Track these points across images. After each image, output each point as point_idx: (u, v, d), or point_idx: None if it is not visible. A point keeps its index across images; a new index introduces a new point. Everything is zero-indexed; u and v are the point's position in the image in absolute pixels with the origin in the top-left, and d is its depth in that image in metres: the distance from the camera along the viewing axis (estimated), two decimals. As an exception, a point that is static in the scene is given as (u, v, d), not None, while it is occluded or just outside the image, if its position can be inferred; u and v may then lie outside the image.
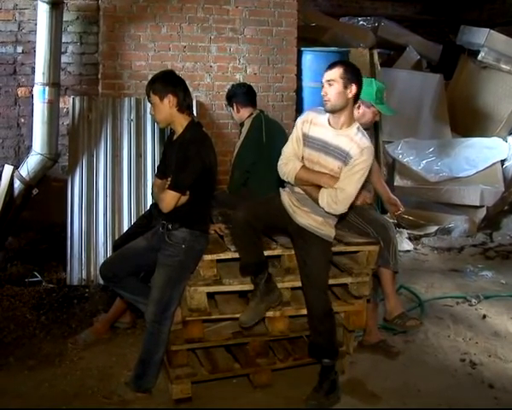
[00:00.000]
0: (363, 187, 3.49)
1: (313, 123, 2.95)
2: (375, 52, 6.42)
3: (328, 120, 2.93)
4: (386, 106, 3.41)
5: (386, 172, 6.38)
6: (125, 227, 4.37)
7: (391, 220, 5.45)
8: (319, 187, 2.89)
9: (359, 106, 3.33)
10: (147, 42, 4.90)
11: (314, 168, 2.93)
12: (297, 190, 3.02)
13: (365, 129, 3.47)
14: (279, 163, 3.03)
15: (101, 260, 4.24)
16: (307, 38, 5.96)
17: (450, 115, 7.01)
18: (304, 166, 2.94)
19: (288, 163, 2.97)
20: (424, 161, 6.25)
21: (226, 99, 4.12)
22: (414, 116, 6.84)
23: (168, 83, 3.01)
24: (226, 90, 4.28)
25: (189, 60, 5.00)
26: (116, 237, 4.22)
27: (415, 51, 7.70)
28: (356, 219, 3.36)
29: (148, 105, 4.48)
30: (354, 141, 2.84)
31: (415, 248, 5.69)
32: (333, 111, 2.87)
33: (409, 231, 5.94)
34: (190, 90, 3.14)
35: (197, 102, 4.90)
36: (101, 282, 3.98)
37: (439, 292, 4.59)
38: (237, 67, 5.11)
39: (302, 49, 5.42)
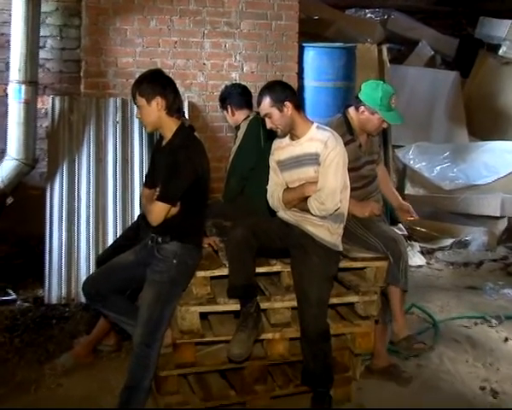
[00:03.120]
0: (370, 197, 3.55)
1: (280, 148, 3.21)
2: (384, 47, 6.49)
3: (290, 137, 3.17)
4: (393, 113, 3.41)
5: (395, 180, 6.42)
6: (110, 240, 4.40)
7: (401, 232, 5.50)
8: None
9: (363, 111, 3.39)
10: (134, 36, 4.93)
11: (296, 185, 3.15)
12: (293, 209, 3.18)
13: (372, 136, 3.54)
14: (267, 199, 3.25)
15: (84, 276, 4.26)
16: (309, 32, 6.01)
17: (467, 117, 7.05)
18: (286, 189, 3.17)
19: (273, 194, 3.21)
20: (438, 167, 6.27)
21: (220, 101, 4.16)
22: (427, 118, 6.88)
23: (156, 84, 3.01)
24: (221, 90, 4.32)
25: (181, 57, 5.03)
26: (100, 251, 4.26)
27: (428, 46, 7.75)
28: (363, 231, 3.40)
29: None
30: (315, 139, 3.07)
31: (428, 263, 5.71)
32: (287, 133, 3.14)
33: (421, 245, 5.96)
34: (182, 90, 3.19)
35: (189, 103, 4.92)
36: (83, 300, 4.00)
37: (455, 312, 4.60)
38: (233, 65, 5.15)
39: (304, 44, 5.48)
